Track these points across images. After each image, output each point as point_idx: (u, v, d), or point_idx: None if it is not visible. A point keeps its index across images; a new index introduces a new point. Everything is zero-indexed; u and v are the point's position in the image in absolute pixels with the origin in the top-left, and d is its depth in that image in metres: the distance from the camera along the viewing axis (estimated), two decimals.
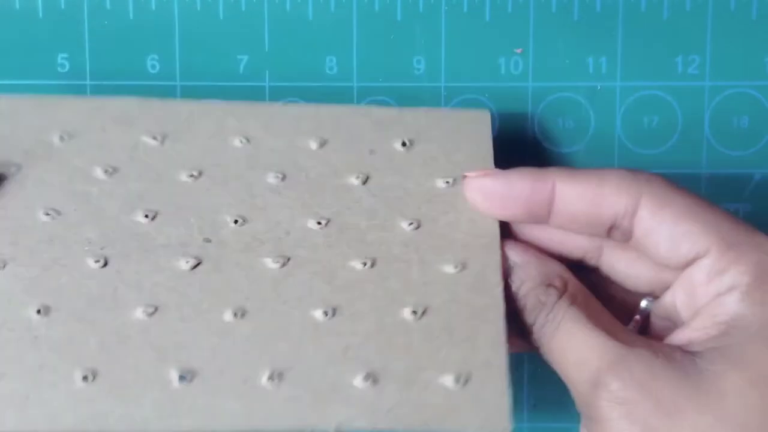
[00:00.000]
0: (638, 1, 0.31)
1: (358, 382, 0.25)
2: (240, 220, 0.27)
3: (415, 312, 0.26)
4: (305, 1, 0.31)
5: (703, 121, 0.32)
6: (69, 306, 0.26)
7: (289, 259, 0.27)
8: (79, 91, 0.31)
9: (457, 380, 0.25)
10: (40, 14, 0.31)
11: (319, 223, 0.28)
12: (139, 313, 0.26)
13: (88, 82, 0.31)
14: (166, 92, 0.31)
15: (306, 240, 0.27)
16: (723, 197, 0.32)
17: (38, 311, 0.25)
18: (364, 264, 0.27)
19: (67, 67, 0.31)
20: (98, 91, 0.32)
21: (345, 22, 0.31)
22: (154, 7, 0.31)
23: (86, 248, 0.27)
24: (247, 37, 0.31)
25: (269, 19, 0.31)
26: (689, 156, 0.32)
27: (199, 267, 0.27)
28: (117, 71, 0.31)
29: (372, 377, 0.25)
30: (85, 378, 0.25)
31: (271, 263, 0.27)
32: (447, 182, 0.28)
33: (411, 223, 0.27)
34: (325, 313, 0.26)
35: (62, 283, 0.26)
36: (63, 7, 0.31)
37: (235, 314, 0.26)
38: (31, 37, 0.31)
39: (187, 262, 0.27)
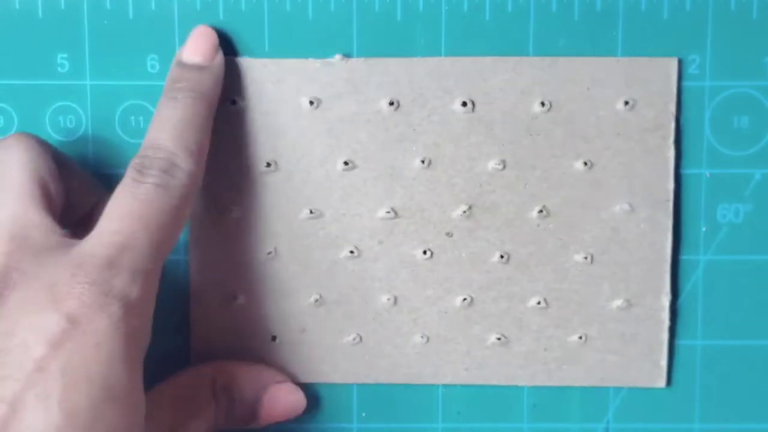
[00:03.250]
0: (638, 1, 0.31)
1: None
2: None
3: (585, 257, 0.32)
4: (305, 1, 0.31)
5: (703, 121, 0.32)
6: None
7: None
8: (78, 90, 0.31)
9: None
10: (40, 14, 0.31)
11: (541, 211, 0.31)
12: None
13: (88, 82, 0.31)
14: None
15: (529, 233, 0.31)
16: (723, 197, 0.32)
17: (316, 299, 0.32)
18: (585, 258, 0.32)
19: (67, 67, 0.31)
20: (98, 90, 0.32)
21: (345, 22, 0.31)
22: (153, 7, 0.31)
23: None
24: (246, 36, 0.31)
25: (269, 18, 0.31)
26: (689, 156, 0.32)
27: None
28: (117, 71, 0.31)
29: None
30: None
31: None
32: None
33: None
34: (538, 303, 0.32)
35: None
36: (63, 7, 0.31)
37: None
38: (31, 37, 0.31)
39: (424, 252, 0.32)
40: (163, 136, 0.28)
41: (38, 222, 0.26)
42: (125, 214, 0.26)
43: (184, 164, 0.27)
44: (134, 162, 0.27)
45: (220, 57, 0.30)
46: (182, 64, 0.30)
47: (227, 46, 0.31)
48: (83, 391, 0.23)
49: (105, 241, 0.25)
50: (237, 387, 0.31)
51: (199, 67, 0.29)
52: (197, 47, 0.30)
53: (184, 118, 0.28)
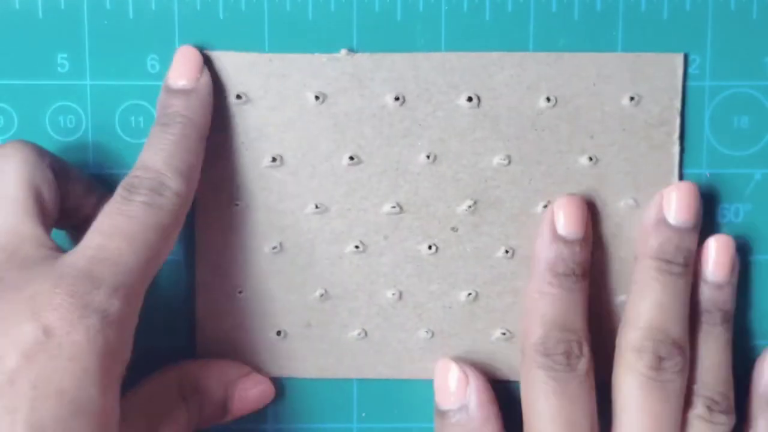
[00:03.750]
0: (638, 1, 0.31)
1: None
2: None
3: None
4: (305, 1, 0.31)
5: (703, 121, 0.32)
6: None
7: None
8: (78, 90, 0.31)
9: None
10: (40, 14, 0.31)
11: (546, 206, 0.31)
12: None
13: (88, 82, 0.31)
14: None
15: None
16: (724, 197, 0.32)
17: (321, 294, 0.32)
18: None
19: (67, 67, 0.31)
20: (98, 90, 0.32)
21: (345, 21, 0.31)
22: (153, 7, 0.31)
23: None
24: (247, 36, 0.31)
25: (269, 18, 0.31)
26: (689, 156, 0.32)
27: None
28: (117, 71, 0.31)
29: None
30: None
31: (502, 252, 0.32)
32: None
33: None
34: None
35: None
36: (63, 7, 0.31)
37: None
38: (31, 37, 0.31)
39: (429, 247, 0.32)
40: (153, 158, 0.28)
41: (30, 234, 0.26)
42: (111, 230, 0.26)
43: (173, 184, 0.28)
44: (124, 182, 0.28)
45: (205, 78, 0.30)
46: (169, 89, 0.30)
47: (227, 44, 0.31)
48: (52, 406, 0.23)
49: (88, 254, 0.26)
50: (205, 387, 0.31)
51: (185, 91, 0.30)
52: (181, 70, 0.30)
53: (174, 142, 0.29)
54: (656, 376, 0.29)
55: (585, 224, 0.31)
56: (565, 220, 0.30)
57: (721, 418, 0.30)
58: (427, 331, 0.32)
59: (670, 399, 0.29)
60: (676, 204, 0.30)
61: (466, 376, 0.31)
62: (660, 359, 0.29)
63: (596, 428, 0.29)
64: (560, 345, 0.29)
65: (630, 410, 0.29)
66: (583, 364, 0.29)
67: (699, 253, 0.31)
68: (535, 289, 0.30)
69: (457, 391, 0.31)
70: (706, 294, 0.31)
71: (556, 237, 0.30)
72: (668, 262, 0.30)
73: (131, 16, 0.31)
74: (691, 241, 0.30)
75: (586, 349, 0.29)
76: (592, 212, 0.32)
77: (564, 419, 0.29)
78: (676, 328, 0.29)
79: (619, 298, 0.32)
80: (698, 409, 0.30)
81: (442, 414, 0.31)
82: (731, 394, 0.30)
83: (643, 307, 0.30)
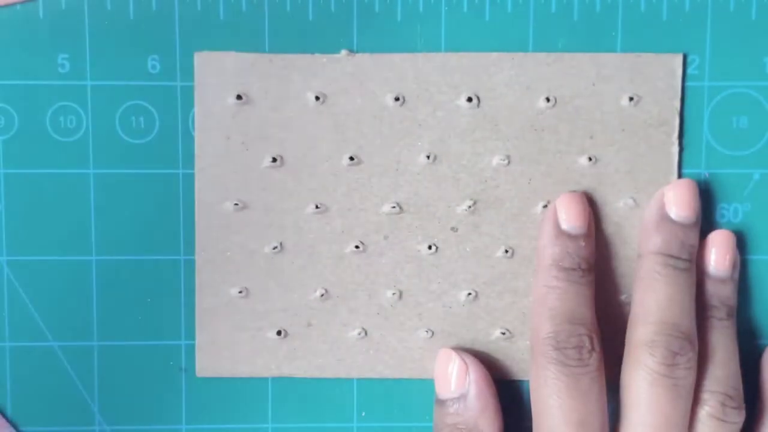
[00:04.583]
0: (637, 1, 0.31)
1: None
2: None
3: None
4: (305, 2, 0.31)
5: (703, 121, 0.32)
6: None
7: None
8: (79, 91, 0.32)
9: None
10: (41, 14, 0.31)
11: (545, 206, 0.32)
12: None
13: (88, 82, 0.32)
14: (166, 92, 0.32)
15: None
16: (722, 197, 0.32)
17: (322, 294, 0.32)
18: None
19: (68, 67, 0.31)
20: (99, 91, 0.32)
21: (345, 22, 0.31)
22: (154, 8, 0.31)
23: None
24: (247, 37, 0.31)
25: (269, 19, 0.31)
26: (688, 156, 0.32)
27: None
28: (117, 71, 0.31)
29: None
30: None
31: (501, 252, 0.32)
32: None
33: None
34: None
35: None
36: (63, 7, 0.31)
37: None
38: (32, 38, 0.31)
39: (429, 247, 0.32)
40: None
41: None
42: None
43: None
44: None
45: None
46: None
47: (227, 44, 0.31)
48: None
49: None
50: None
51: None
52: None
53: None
54: (668, 372, 0.29)
55: (587, 218, 0.31)
56: (567, 215, 0.30)
57: (734, 415, 0.30)
58: (427, 331, 0.32)
59: (681, 396, 0.29)
60: (677, 200, 0.30)
61: (466, 366, 0.31)
62: (673, 354, 0.29)
63: (607, 426, 0.29)
64: (572, 339, 0.29)
65: (639, 408, 0.29)
66: (595, 359, 0.29)
67: (700, 249, 0.31)
68: (542, 284, 0.30)
69: (457, 380, 0.31)
70: (710, 289, 0.31)
71: (560, 232, 0.30)
72: (673, 257, 0.30)
73: (132, 16, 0.31)
74: (693, 237, 0.31)
75: (597, 344, 0.29)
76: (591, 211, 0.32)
77: (575, 417, 0.29)
78: (686, 323, 0.29)
79: (621, 297, 0.32)
80: (710, 405, 0.30)
81: (442, 403, 0.31)
82: (741, 390, 0.30)
83: (652, 302, 0.30)
